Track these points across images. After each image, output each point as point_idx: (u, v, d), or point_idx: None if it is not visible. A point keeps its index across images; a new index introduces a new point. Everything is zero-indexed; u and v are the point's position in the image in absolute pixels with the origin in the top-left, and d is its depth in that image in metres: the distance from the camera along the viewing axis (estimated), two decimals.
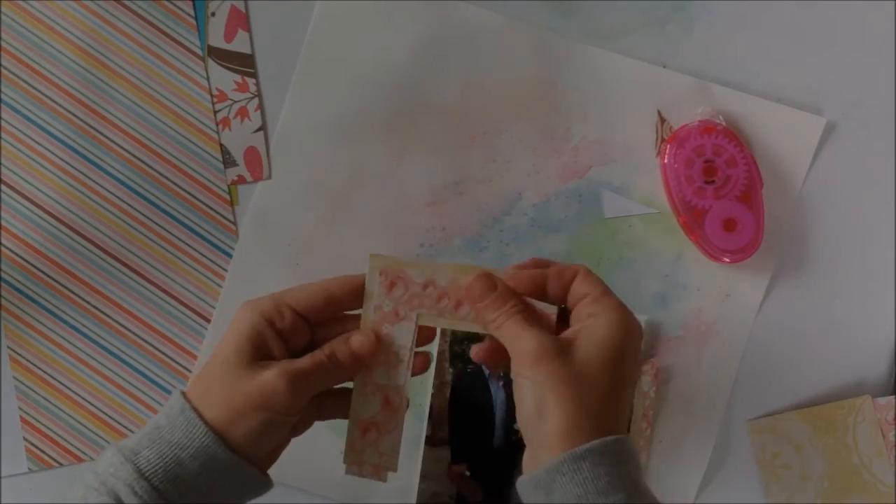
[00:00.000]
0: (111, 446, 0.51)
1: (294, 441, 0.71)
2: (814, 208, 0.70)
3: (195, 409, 0.50)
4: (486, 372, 0.69)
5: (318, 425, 0.69)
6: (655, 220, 0.70)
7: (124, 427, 0.70)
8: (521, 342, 0.49)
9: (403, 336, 0.55)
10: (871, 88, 0.70)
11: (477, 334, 0.66)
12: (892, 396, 0.69)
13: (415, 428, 0.70)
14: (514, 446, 0.69)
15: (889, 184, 0.70)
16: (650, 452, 0.69)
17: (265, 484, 0.54)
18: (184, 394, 0.52)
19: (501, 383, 0.69)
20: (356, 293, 0.54)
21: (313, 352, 0.53)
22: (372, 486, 0.70)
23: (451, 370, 0.69)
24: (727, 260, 0.68)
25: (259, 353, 0.52)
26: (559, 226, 0.70)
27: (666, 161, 0.68)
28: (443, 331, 0.69)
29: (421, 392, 0.70)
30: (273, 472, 0.70)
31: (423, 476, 0.69)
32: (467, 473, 0.69)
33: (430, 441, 0.69)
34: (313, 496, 0.70)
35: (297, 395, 0.51)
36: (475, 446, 0.70)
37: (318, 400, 0.54)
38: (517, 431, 0.69)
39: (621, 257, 0.70)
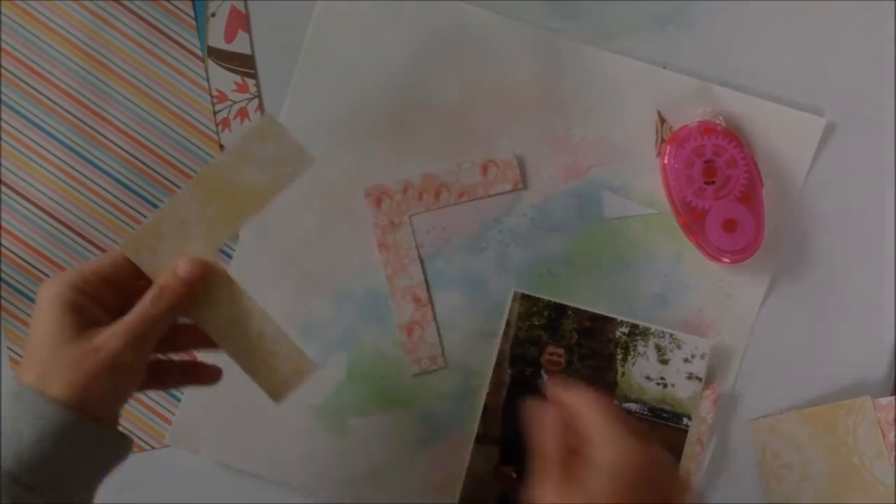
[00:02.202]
0: None
1: (294, 441, 0.71)
2: (814, 208, 0.70)
3: (31, 386, 0.49)
4: (545, 376, 0.69)
5: (317, 427, 0.70)
6: (655, 220, 0.70)
7: (123, 427, 0.70)
8: None
9: (407, 239, 0.68)
10: (871, 88, 0.70)
11: (540, 338, 0.69)
12: (892, 397, 0.69)
13: (416, 429, 0.70)
14: None
15: (889, 184, 0.70)
16: (700, 477, 0.70)
17: (124, 440, 0.52)
18: (16, 381, 0.50)
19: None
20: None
21: (140, 299, 0.53)
22: (372, 486, 0.70)
23: (509, 371, 0.69)
24: (727, 260, 0.68)
25: (82, 322, 0.51)
26: (559, 226, 0.70)
27: (666, 161, 0.68)
28: (505, 332, 0.69)
29: (475, 391, 0.70)
30: (273, 472, 0.70)
31: (469, 473, 0.69)
32: (514, 475, 0.69)
33: (481, 439, 0.69)
34: (313, 496, 0.70)
35: (138, 348, 0.51)
36: (525, 449, 0.69)
37: (167, 340, 0.54)
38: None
39: (621, 257, 0.70)
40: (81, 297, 0.51)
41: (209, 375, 0.59)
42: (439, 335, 0.69)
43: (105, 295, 0.53)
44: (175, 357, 0.62)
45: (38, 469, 0.48)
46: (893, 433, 0.69)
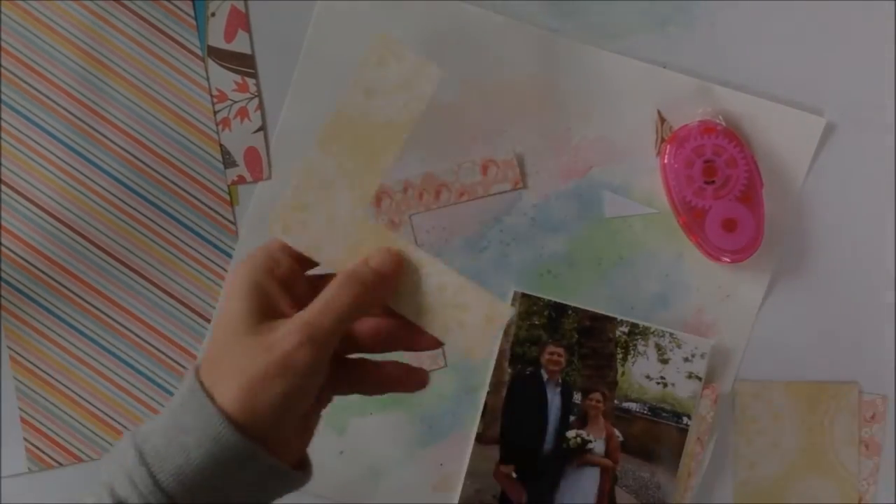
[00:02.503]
0: (128, 432, 0.45)
1: None
2: (814, 208, 0.70)
3: (204, 389, 0.43)
4: (545, 376, 0.69)
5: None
6: (655, 220, 0.70)
7: (124, 427, 0.70)
8: None
9: (407, 238, 0.62)
10: (871, 88, 0.70)
11: (540, 338, 0.69)
12: (878, 395, 0.70)
13: (416, 429, 0.70)
14: (564, 453, 0.69)
15: (889, 184, 0.70)
16: (699, 476, 0.70)
17: (295, 475, 0.46)
18: (197, 372, 0.45)
19: (559, 389, 0.69)
20: None
21: (323, 290, 0.46)
22: (372, 486, 0.70)
23: (509, 370, 0.69)
24: (727, 260, 0.68)
25: (265, 311, 0.45)
26: (559, 226, 0.70)
27: (666, 161, 0.68)
28: (505, 332, 0.69)
29: (475, 390, 0.70)
30: None
31: (470, 473, 0.69)
32: (514, 475, 0.69)
33: (481, 439, 0.69)
34: (313, 496, 0.70)
35: (317, 348, 0.44)
36: (525, 449, 0.69)
37: (335, 369, 0.47)
38: (568, 439, 0.69)
39: (621, 257, 0.70)
40: (266, 281, 0.45)
41: (416, 380, 0.51)
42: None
43: (291, 276, 0.47)
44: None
45: (198, 494, 0.43)
46: (867, 430, 0.70)
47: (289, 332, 0.44)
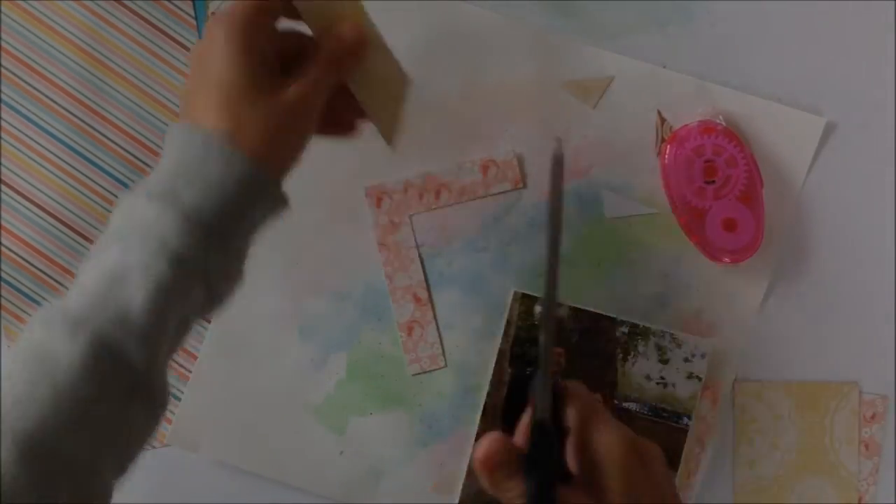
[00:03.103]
0: (128, 196, 0.48)
1: (294, 441, 0.71)
2: (814, 208, 0.70)
3: (234, 146, 0.47)
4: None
5: (317, 427, 0.70)
6: (655, 220, 0.70)
7: None
8: None
9: (407, 238, 0.67)
10: (871, 88, 0.70)
11: (538, 338, 0.68)
12: (878, 395, 0.70)
13: (416, 429, 0.70)
14: None
15: (889, 184, 0.70)
16: (699, 476, 0.70)
17: (284, 200, 0.52)
18: (208, 136, 0.48)
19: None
20: None
21: (316, 58, 0.52)
22: (372, 486, 0.70)
23: (509, 370, 0.69)
24: (727, 260, 0.68)
25: (265, 67, 0.49)
26: None
27: (666, 161, 0.68)
28: (505, 332, 0.69)
29: (475, 390, 0.70)
30: (273, 472, 0.70)
31: (470, 473, 0.69)
32: None
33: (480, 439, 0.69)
34: (313, 496, 0.70)
35: (320, 107, 0.51)
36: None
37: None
38: None
39: (621, 257, 0.70)
40: (260, 39, 0.50)
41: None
42: (439, 335, 0.69)
43: (274, 37, 0.51)
44: None
45: (220, 216, 0.47)
46: (867, 430, 0.70)
47: (302, 95, 0.49)
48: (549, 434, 0.45)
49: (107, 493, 0.45)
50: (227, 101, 0.48)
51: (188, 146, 0.47)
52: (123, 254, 0.45)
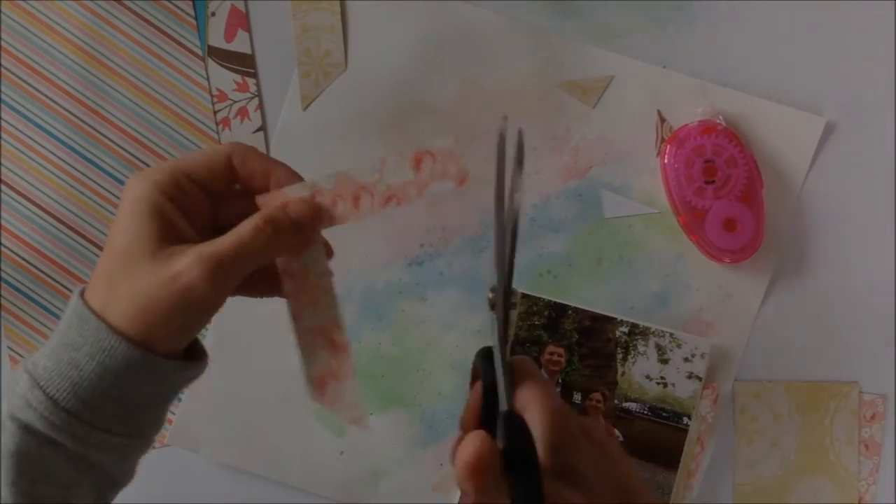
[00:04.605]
0: (19, 361, 0.46)
1: (294, 441, 0.71)
2: (814, 208, 0.70)
3: (89, 307, 0.43)
4: (545, 376, 0.69)
5: (317, 427, 0.70)
6: (655, 220, 0.70)
7: None
8: None
9: (317, 262, 0.49)
10: (871, 88, 0.70)
11: (540, 338, 0.68)
12: (878, 396, 0.70)
13: (416, 429, 0.70)
14: None
15: (889, 184, 0.70)
16: (699, 476, 0.70)
17: (194, 367, 0.47)
18: (82, 294, 0.44)
19: (559, 389, 0.69)
20: (261, 161, 0.48)
21: (236, 227, 0.45)
22: (372, 486, 0.70)
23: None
24: (727, 260, 0.68)
25: (164, 235, 0.44)
26: (559, 226, 0.70)
27: (666, 161, 0.68)
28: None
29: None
30: (273, 472, 0.70)
31: None
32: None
33: None
34: (313, 496, 0.70)
35: (221, 284, 0.43)
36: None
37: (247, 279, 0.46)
38: None
39: (621, 257, 0.70)
40: (168, 207, 0.44)
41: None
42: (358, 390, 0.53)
43: (196, 202, 0.46)
44: None
45: (100, 406, 0.43)
46: (867, 430, 0.70)
47: (197, 263, 0.43)
48: (523, 430, 0.41)
49: None
50: (107, 268, 0.44)
51: (66, 313, 0.45)
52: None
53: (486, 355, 0.45)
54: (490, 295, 0.46)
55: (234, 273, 0.44)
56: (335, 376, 0.49)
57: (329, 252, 0.50)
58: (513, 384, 0.44)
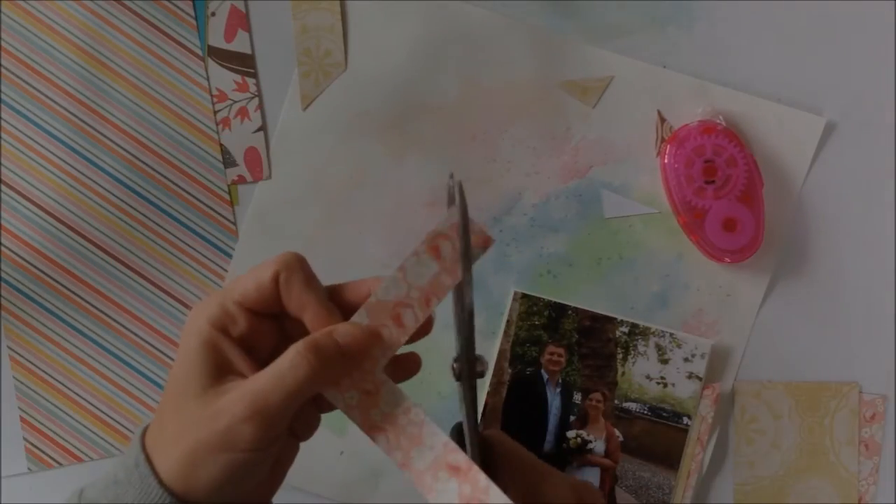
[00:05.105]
0: (74, 492, 0.42)
1: None
2: (814, 208, 0.70)
3: (149, 462, 0.40)
4: (545, 377, 0.69)
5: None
6: (655, 220, 0.70)
7: (124, 427, 0.70)
8: None
9: (397, 400, 0.44)
10: (871, 88, 0.70)
11: (540, 338, 0.68)
12: (878, 396, 0.70)
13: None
14: (565, 453, 0.69)
15: (889, 184, 0.70)
16: (699, 476, 0.70)
17: None
18: (143, 438, 0.42)
19: (559, 390, 0.69)
20: (298, 289, 0.42)
21: (276, 361, 0.40)
22: (372, 486, 0.70)
23: (509, 370, 0.69)
24: (727, 260, 0.68)
25: (215, 371, 0.40)
26: (559, 226, 0.70)
27: (666, 161, 0.68)
28: (505, 332, 0.69)
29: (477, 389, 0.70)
30: None
31: None
32: None
33: None
34: (313, 496, 0.70)
35: (265, 425, 0.39)
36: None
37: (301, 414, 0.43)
38: (569, 439, 0.69)
39: (621, 257, 0.70)
40: (220, 340, 0.40)
41: (410, 369, 0.46)
42: None
43: (256, 330, 0.42)
44: None
45: None
46: (867, 430, 0.70)
47: (234, 401, 0.39)
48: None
49: None
50: (161, 407, 0.42)
51: (126, 455, 0.42)
52: None
53: (458, 431, 0.43)
54: (454, 365, 0.43)
55: (279, 411, 0.39)
56: (476, 497, 0.43)
57: (415, 366, 0.45)
58: (489, 458, 0.42)
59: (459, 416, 0.42)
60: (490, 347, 0.69)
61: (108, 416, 0.70)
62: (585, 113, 0.70)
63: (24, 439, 0.70)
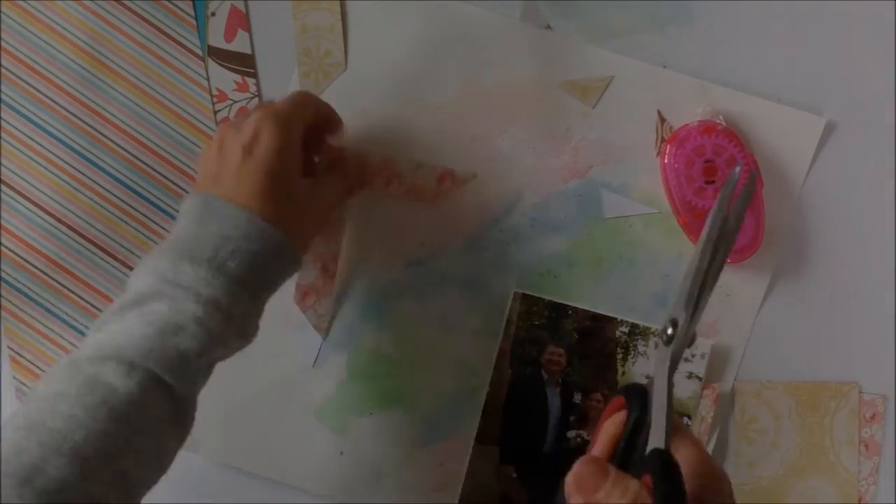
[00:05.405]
0: (159, 259, 0.54)
1: (294, 441, 0.71)
2: (814, 208, 0.70)
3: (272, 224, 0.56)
4: (545, 376, 0.69)
5: (317, 427, 0.70)
6: (655, 220, 0.70)
7: None
8: None
9: (343, 209, 0.67)
10: (871, 88, 0.70)
11: (540, 338, 0.68)
12: (878, 396, 0.70)
13: (416, 429, 0.70)
14: (565, 453, 0.69)
15: (889, 184, 0.70)
16: None
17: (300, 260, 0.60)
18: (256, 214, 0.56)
19: (559, 389, 0.69)
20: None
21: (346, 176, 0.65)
22: (372, 486, 0.70)
23: (509, 370, 0.69)
24: (727, 260, 0.68)
25: (298, 159, 0.59)
26: (559, 226, 0.70)
27: (666, 161, 0.68)
28: (505, 332, 0.69)
29: (475, 390, 0.70)
30: (273, 472, 0.70)
31: (470, 473, 0.69)
32: (514, 475, 0.69)
33: (481, 439, 0.69)
34: (313, 496, 0.70)
35: (284, 131, 0.58)
36: (525, 449, 0.69)
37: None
38: (569, 438, 0.69)
39: (621, 257, 0.70)
40: (298, 138, 0.60)
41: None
42: (334, 311, 0.70)
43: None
44: None
45: (257, 282, 0.56)
46: (867, 430, 0.70)
47: (330, 190, 0.64)
48: (676, 467, 0.44)
49: None
50: (273, 188, 0.56)
51: (231, 221, 0.55)
52: (176, 309, 0.52)
53: (638, 392, 0.49)
54: (670, 330, 0.51)
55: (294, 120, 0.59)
56: (318, 292, 0.68)
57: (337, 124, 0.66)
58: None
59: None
60: (490, 347, 0.69)
61: None
62: (585, 113, 0.70)
63: None
